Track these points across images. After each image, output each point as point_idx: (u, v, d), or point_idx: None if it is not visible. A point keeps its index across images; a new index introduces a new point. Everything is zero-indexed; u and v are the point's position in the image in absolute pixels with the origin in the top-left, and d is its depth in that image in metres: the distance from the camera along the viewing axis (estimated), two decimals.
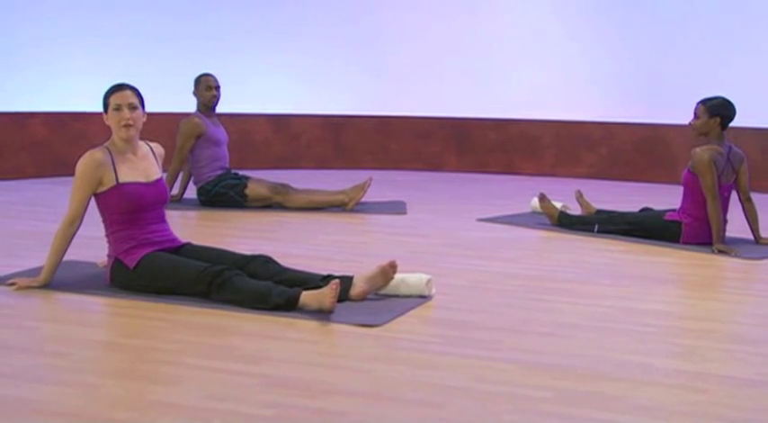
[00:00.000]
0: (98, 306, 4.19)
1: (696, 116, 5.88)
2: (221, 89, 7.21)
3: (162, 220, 4.47)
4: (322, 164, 10.07)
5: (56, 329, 3.79)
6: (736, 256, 5.52)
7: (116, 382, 3.18)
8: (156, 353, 3.50)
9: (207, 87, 7.10)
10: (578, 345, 3.71)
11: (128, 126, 4.34)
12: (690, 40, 9.25)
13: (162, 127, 9.15)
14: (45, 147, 8.91)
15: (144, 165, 4.45)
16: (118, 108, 4.33)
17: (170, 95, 9.34)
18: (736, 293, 4.68)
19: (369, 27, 10.04)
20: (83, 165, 4.32)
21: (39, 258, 4.91)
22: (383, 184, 8.47)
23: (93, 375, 3.28)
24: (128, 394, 3.07)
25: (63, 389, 3.09)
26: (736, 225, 6.02)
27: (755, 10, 9.01)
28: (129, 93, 4.36)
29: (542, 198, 6.51)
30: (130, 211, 4.32)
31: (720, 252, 5.60)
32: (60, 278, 4.46)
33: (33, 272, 4.60)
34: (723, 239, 5.72)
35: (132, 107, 4.35)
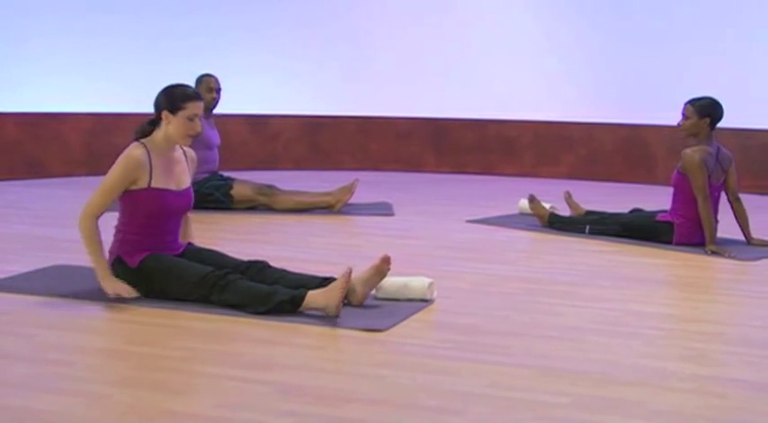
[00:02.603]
0: (97, 312, 4.08)
1: (685, 117, 5.87)
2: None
3: (177, 227, 4.38)
4: (300, 165, 9.98)
5: (55, 336, 3.69)
6: (730, 257, 5.52)
7: (124, 391, 3.10)
8: (161, 360, 3.42)
9: (208, 89, 6.95)
10: (589, 349, 3.67)
11: (192, 137, 4.26)
12: (669, 40, 9.26)
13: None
14: (17, 148, 8.74)
15: (178, 170, 4.32)
16: (193, 118, 4.21)
17: (148, 95, 9.22)
18: (736, 295, 4.67)
19: (347, 27, 9.97)
20: (124, 163, 4.16)
21: (29, 263, 4.82)
22: (364, 185, 8.37)
23: (100, 384, 3.19)
24: (138, 403, 2.98)
25: (70, 399, 3.00)
26: (729, 226, 6.01)
27: (735, 11, 9.04)
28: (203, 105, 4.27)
29: (532, 199, 6.47)
30: (154, 216, 4.22)
31: (714, 253, 5.59)
32: (56, 283, 4.37)
33: (27, 276, 4.49)
34: (715, 240, 5.71)
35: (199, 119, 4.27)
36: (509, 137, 9.86)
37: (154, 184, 4.20)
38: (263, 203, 6.95)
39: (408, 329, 3.89)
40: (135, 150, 4.20)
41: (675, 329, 4.01)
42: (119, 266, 4.22)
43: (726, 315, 4.28)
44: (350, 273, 3.97)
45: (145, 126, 4.32)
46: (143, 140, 4.26)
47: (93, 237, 4.16)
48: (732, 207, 5.94)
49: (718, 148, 5.87)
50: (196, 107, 4.22)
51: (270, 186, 7.00)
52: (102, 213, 4.19)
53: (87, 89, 9.09)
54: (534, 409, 3.01)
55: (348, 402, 3.03)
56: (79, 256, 4.75)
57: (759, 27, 8.89)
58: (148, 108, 9.31)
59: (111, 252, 4.29)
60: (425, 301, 4.29)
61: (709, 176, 5.75)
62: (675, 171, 5.87)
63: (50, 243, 5.53)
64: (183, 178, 4.35)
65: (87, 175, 8.60)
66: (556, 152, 9.72)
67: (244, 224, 6.47)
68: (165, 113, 4.23)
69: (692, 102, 5.87)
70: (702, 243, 5.72)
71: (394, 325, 3.92)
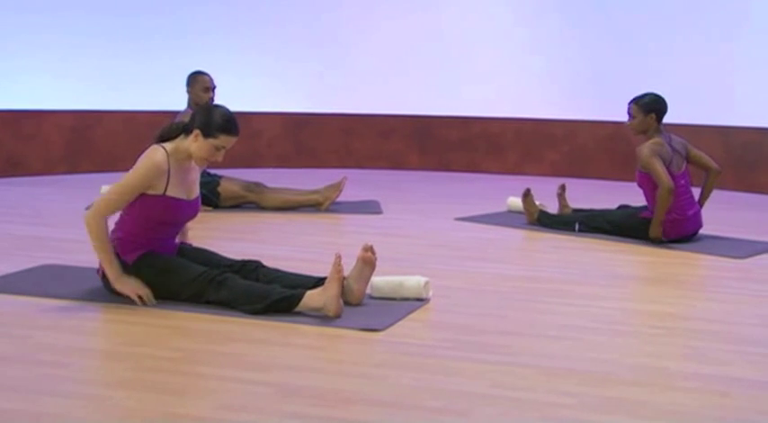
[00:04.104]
0: (91, 312, 4.02)
1: (631, 116, 5.91)
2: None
3: (177, 232, 4.32)
4: (283, 162, 9.93)
5: (49, 338, 3.63)
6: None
7: (124, 394, 3.04)
8: (160, 361, 3.37)
9: (204, 88, 6.79)
10: (590, 348, 3.65)
11: (210, 164, 4.20)
12: (651, 38, 9.28)
13: (120, 125, 8.95)
14: None
15: (191, 179, 4.24)
16: (219, 149, 4.12)
17: (130, 93, 9.15)
18: (732, 293, 4.66)
19: (330, 24, 9.93)
20: (146, 168, 4.04)
21: (17, 263, 4.75)
22: (348, 183, 8.38)
23: (99, 386, 3.13)
24: (139, 406, 2.93)
25: (70, 401, 2.95)
26: (721, 225, 6.01)
27: (717, 10, 9.05)
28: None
29: (527, 193, 6.39)
30: (160, 222, 4.16)
31: (655, 241, 5.76)
32: (46, 283, 4.29)
33: (16, 276, 4.41)
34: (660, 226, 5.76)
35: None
36: (493, 134, 9.85)
37: (168, 193, 4.12)
38: (251, 201, 6.91)
39: (407, 329, 3.86)
40: (158, 156, 4.07)
41: (674, 328, 3.99)
42: None
43: (724, 313, 4.27)
44: (339, 259, 3.92)
45: (173, 129, 4.19)
46: (164, 145, 4.14)
47: (102, 236, 4.05)
48: (707, 176, 6.00)
49: (670, 138, 5.94)
50: (228, 141, 4.11)
51: (257, 184, 6.95)
52: (112, 214, 4.09)
53: (68, 86, 9.00)
54: (540, 409, 2.98)
55: (351, 404, 2.99)
56: (68, 255, 4.70)
57: (741, 26, 8.91)
58: (130, 106, 9.26)
59: None
60: (421, 300, 4.27)
61: (669, 165, 5.77)
62: (637, 172, 5.89)
63: (37, 242, 5.45)
64: (194, 188, 4.27)
65: (68, 172, 8.52)
66: (539, 150, 9.72)
67: (233, 222, 6.41)
68: (197, 131, 4.11)
69: (636, 100, 5.94)
70: (690, 235, 5.74)
71: (392, 324, 3.89)
